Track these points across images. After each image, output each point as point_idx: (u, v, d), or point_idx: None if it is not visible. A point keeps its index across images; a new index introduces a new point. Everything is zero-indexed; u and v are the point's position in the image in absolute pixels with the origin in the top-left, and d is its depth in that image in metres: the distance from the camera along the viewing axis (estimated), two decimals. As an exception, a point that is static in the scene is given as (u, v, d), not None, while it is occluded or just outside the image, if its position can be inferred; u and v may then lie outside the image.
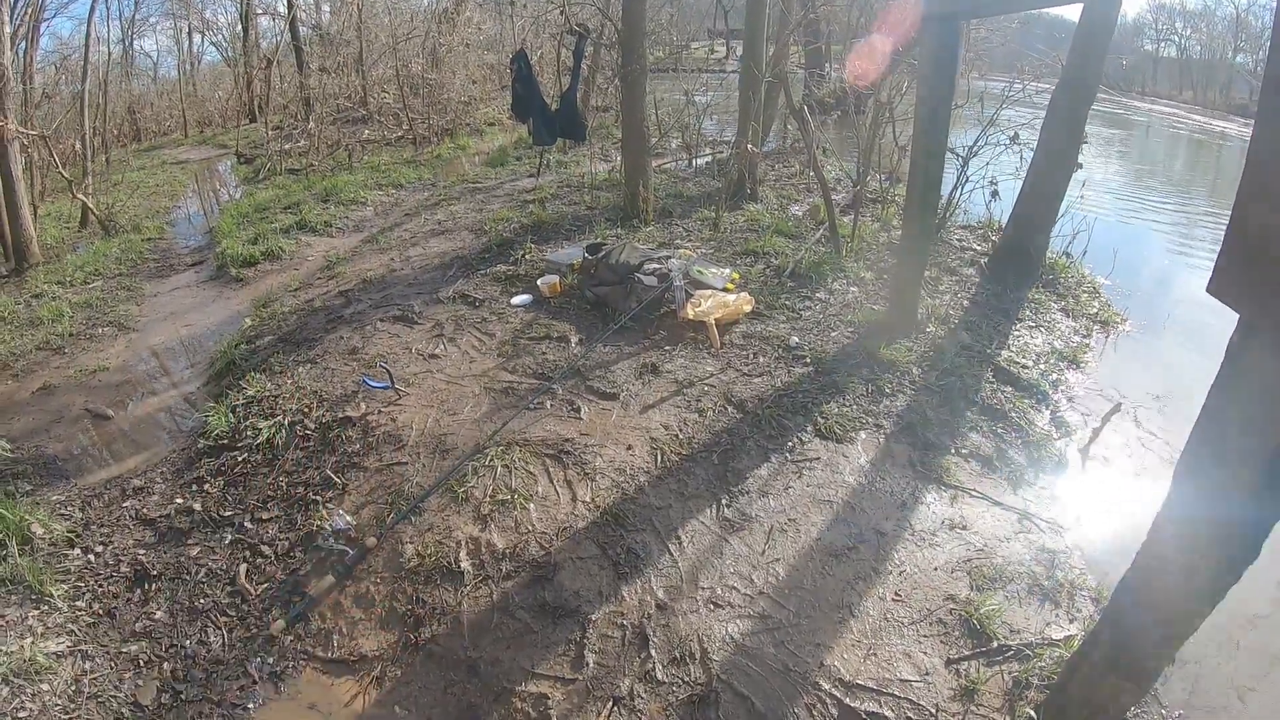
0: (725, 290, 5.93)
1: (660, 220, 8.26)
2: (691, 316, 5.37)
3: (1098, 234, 8.04)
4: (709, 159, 11.59)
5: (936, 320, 5.98)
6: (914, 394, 4.95)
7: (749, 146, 8.65)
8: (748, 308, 5.67)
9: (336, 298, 6.70)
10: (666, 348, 5.29)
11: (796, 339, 5.45)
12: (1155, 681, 2.98)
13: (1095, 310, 6.77)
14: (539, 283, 6.11)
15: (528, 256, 6.97)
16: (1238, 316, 1.97)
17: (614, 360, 5.11)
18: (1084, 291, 7.11)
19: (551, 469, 4.09)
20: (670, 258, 6.11)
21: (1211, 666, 3.31)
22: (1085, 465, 4.61)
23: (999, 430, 4.71)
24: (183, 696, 3.30)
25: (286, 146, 14.16)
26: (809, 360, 5.20)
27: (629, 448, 4.22)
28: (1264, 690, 3.24)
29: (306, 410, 4.87)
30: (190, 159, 18.01)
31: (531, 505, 3.85)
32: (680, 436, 4.34)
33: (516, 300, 6.03)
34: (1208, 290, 1.99)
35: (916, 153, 5.31)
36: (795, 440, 4.40)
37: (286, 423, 4.79)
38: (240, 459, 4.65)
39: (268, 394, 5.11)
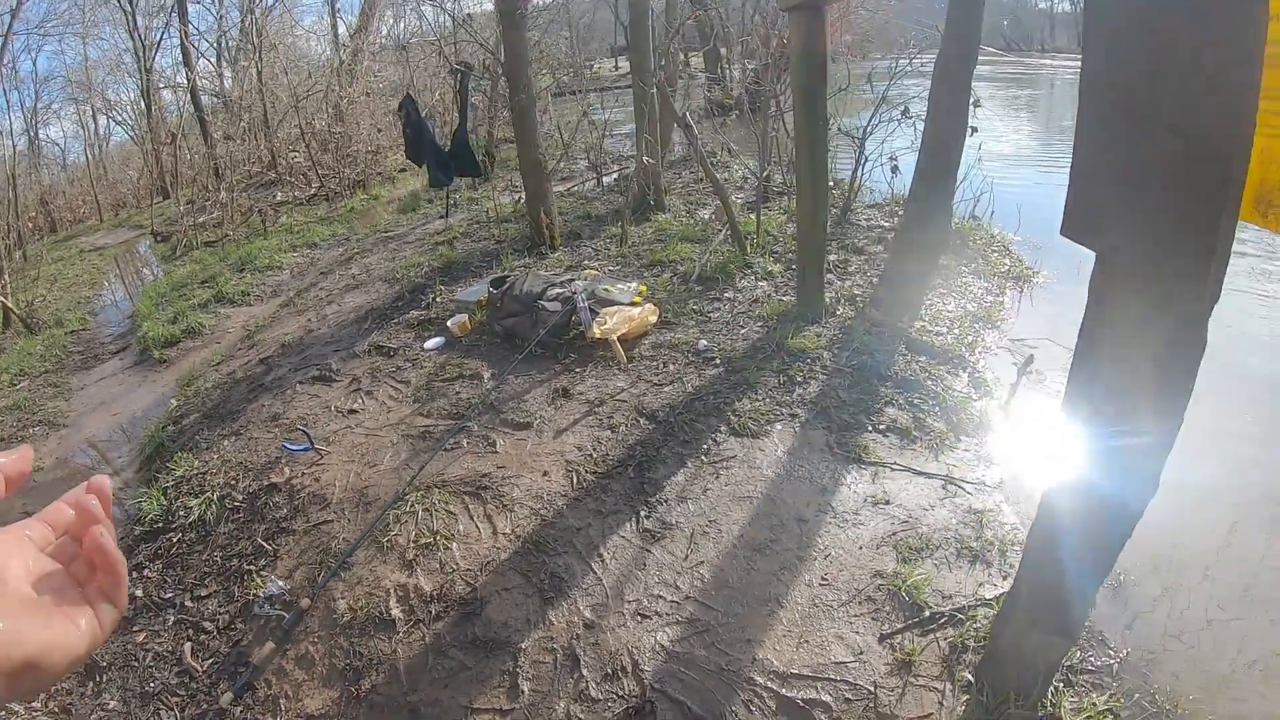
0: (633, 304, 6.05)
1: (569, 243, 8.36)
2: (599, 335, 5.47)
3: (1002, 194, 8.19)
4: (616, 176, 11.71)
5: (846, 302, 6.12)
6: (826, 378, 5.06)
7: (645, 159, 8.79)
8: (653, 318, 5.79)
9: (257, 366, 6.68)
10: (577, 370, 5.38)
11: (705, 342, 5.56)
12: (1081, 631, 3.00)
13: (1007, 267, 6.94)
14: (449, 323, 6.16)
15: (438, 299, 7.03)
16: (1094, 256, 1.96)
17: (526, 390, 5.19)
18: (993, 251, 7.28)
19: (471, 506, 4.15)
20: (575, 280, 6.22)
21: (1155, 605, 3.41)
22: (1007, 421, 4.64)
23: (916, 401, 4.80)
24: (137, 785, 3.31)
25: (200, 219, 13.97)
26: (719, 361, 5.31)
27: (545, 474, 4.30)
28: (1205, 629, 3.33)
29: (233, 483, 4.87)
30: (107, 244, 17.63)
31: (454, 544, 3.91)
32: (594, 455, 4.42)
33: (429, 344, 6.08)
34: (1061, 233, 1.98)
35: (800, 137, 5.47)
36: (710, 442, 4.50)
37: (216, 498, 4.78)
38: (175, 540, 4.63)
39: (195, 472, 5.10)
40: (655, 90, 8.71)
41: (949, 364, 5.24)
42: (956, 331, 5.67)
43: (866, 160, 8.04)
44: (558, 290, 5.90)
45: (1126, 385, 2.00)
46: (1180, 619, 3.36)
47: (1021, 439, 4.47)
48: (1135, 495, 2.13)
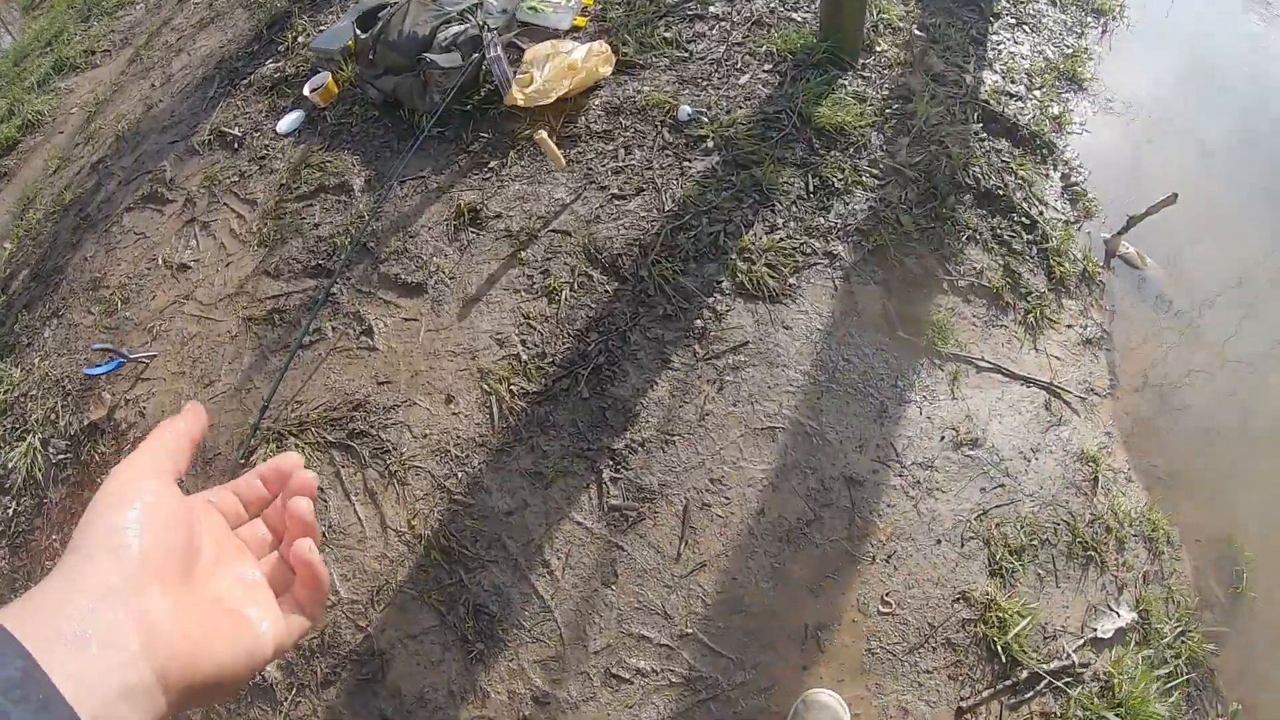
0: (573, 30, 3.78)
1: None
2: (523, 102, 3.29)
3: None
4: None
5: (887, 32, 3.62)
6: (878, 184, 2.95)
7: None
8: (606, 69, 3.46)
9: (89, 177, 4.58)
10: (491, 163, 3.25)
11: (688, 107, 3.25)
12: None
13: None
14: (306, 90, 3.88)
15: (299, 39, 4.59)
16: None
17: (415, 210, 3.16)
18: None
19: (344, 470, 2.44)
20: (481, 2, 3.80)
21: None
22: (1114, 275, 2.98)
23: (1002, 231, 2.88)
24: None
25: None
26: (711, 142, 3.12)
27: (448, 400, 2.51)
28: None
29: (54, 417, 3.20)
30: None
31: (327, 554, 2.31)
32: (523, 357, 2.57)
33: (284, 124, 3.86)
34: None
35: None
36: (706, 314, 2.60)
37: (39, 444, 3.15)
38: (12, 510, 3.12)
39: (18, 393, 3.43)
40: None
41: (1036, 155, 3.21)
42: (1038, 95, 3.47)
43: None
44: (455, 29, 3.54)
45: None
46: None
47: (1134, 314, 2.88)
48: None
